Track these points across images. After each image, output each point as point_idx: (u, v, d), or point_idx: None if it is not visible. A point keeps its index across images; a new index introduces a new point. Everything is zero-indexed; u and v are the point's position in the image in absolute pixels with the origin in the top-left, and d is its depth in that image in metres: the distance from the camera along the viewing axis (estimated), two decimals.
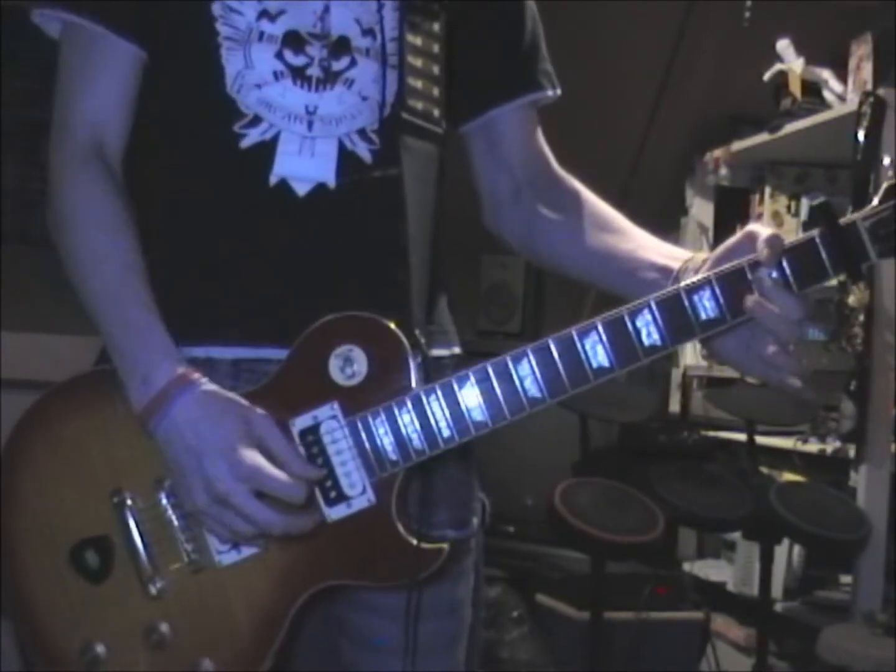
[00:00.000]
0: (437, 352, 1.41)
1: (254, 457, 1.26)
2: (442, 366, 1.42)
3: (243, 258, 1.36)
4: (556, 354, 1.27)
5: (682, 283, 1.28)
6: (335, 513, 1.31)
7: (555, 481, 3.00)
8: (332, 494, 1.30)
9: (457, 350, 1.48)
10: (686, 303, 1.26)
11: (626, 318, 1.27)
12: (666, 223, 4.24)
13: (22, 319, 3.41)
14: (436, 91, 1.43)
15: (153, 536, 1.34)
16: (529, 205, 1.51)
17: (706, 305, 1.26)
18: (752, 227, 1.28)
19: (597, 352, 1.27)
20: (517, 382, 1.27)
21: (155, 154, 1.42)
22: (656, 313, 1.26)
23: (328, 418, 1.30)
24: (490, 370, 1.28)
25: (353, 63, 1.37)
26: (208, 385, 1.30)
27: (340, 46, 1.37)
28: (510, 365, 1.28)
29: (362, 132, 1.38)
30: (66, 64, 1.41)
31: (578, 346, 1.27)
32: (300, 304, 1.35)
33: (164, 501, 1.34)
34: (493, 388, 1.28)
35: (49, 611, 1.37)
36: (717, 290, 1.26)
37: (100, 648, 1.35)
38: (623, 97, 4.05)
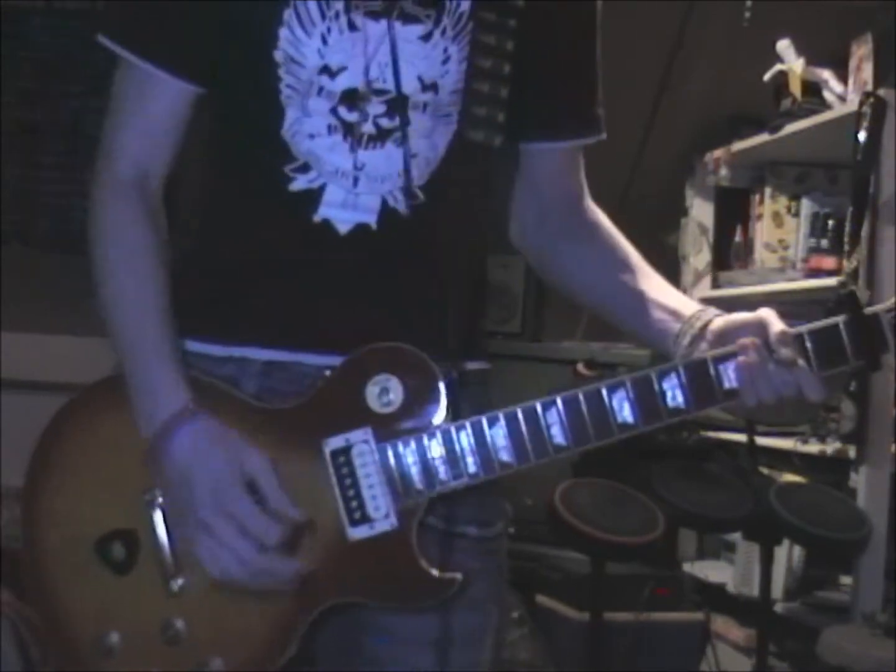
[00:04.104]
0: (464, 366, 1.43)
1: (237, 494, 1.30)
2: (467, 380, 1.44)
3: (282, 272, 1.40)
4: (584, 406, 1.31)
5: (710, 352, 1.33)
6: (358, 533, 1.34)
7: (555, 481, 2.99)
8: (357, 515, 1.34)
9: (483, 365, 1.49)
10: (712, 371, 1.31)
11: (654, 379, 1.31)
12: (666, 223, 4.24)
13: (22, 319, 3.42)
14: (500, 117, 1.41)
15: (179, 536, 1.36)
16: (552, 232, 1.53)
17: (731, 376, 1.31)
18: (766, 314, 1.34)
19: (623, 408, 1.31)
20: (544, 429, 1.31)
21: (211, 173, 1.46)
22: (683, 377, 1.31)
23: (360, 442, 1.34)
24: (519, 414, 1.32)
25: (407, 121, 1.37)
26: (204, 420, 1.33)
27: (398, 103, 1.37)
28: (539, 411, 1.32)
29: (407, 189, 1.39)
30: (118, 92, 1.42)
31: (606, 400, 1.31)
32: (338, 314, 1.38)
33: None
34: (520, 430, 1.32)
35: (69, 597, 1.40)
36: (743, 363, 1.31)
37: (115, 638, 1.37)
38: (623, 97, 4.04)
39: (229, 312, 1.42)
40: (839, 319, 1.31)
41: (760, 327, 1.32)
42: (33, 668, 2.54)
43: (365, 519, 1.33)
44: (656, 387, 1.31)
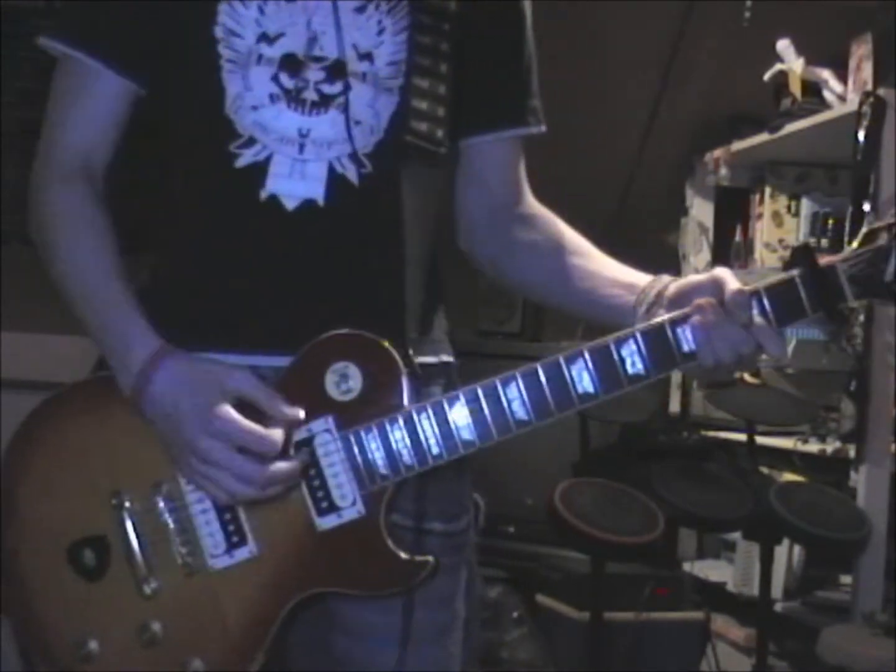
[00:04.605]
0: (425, 359, 1.43)
1: (226, 413, 1.30)
2: (429, 373, 1.44)
3: (233, 269, 1.41)
4: (543, 379, 1.31)
5: (667, 316, 1.32)
6: (326, 522, 1.35)
7: (555, 481, 3.00)
8: (324, 504, 1.35)
9: (445, 358, 1.49)
10: (669, 334, 1.31)
11: (612, 347, 1.31)
12: (666, 223, 4.24)
13: (22, 319, 3.41)
14: (441, 111, 1.44)
15: (149, 538, 1.37)
16: (502, 229, 1.54)
17: (688, 338, 1.31)
18: (721, 274, 1.33)
19: (582, 378, 1.32)
20: (505, 404, 1.32)
21: (162, 178, 1.46)
22: (641, 344, 1.31)
23: (322, 431, 1.34)
24: (480, 392, 1.32)
25: (347, 87, 1.40)
26: (181, 356, 1.34)
27: (337, 70, 1.39)
28: (499, 387, 1.32)
29: (353, 156, 1.40)
30: (59, 88, 1.45)
31: (565, 371, 1.31)
32: (288, 313, 1.39)
33: (161, 505, 1.37)
34: (481, 408, 1.32)
35: (46, 606, 1.40)
36: (699, 324, 1.30)
37: (93, 645, 1.38)
38: (623, 97, 4.05)
39: (185, 318, 1.42)
40: (795, 273, 1.30)
41: (716, 287, 1.32)
42: (34, 668, 2.54)
43: (332, 508, 1.34)
44: (615, 355, 1.31)
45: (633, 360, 1.31)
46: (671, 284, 1.37)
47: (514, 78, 1.54)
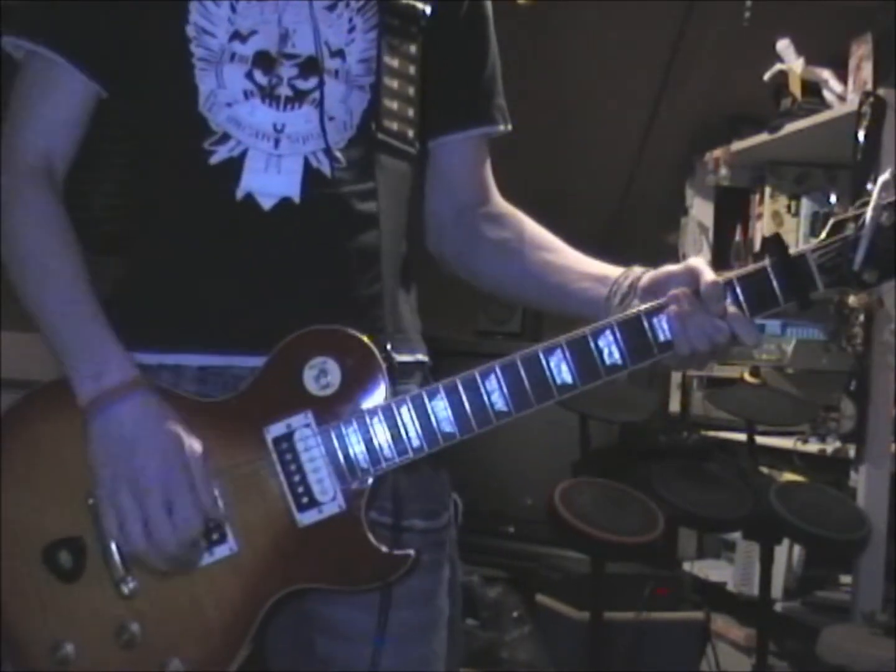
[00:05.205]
0: (401, 357, 1.43)
1: (187, 463, 1.30)
2: (406, 371, 1.45)
3: (211, 269, 1.41)
4: (522, 370, 1.33)
5: (643, 306, 1.33)
6: (307, 518, 1.34)
7: (555, 481, 3.00)
8: (305, 500, 1.34)
9: (420, 356, 1.50)
10: (646, 324, 1.32)
11: (590, 338, 1.32)
12: (666, 223, 4.24)
13: (22, 319, 3.41)
14: (411, 112, 1.47)
15: None
16: (470, 228, 1.55)
17: (664, 328, 1.32)
18: (696, 264, 1.35)
19: (561, 369, 1.33)
20: (485, 396, 1.33)
21: (131, 168, 1.48)
22: (617, 334, 1.32)
23: (302, 426, 1.34)
24: (459, 384, 1.33)
25: (321, 83, 1.41)
26: (154, 396, 1.33)
27: (309, 66, 1.41)
28: (479, 379, 1.33)
29: (328, 151, 1.41)
30: (22, 85, 1.44)
31: (544, 363, 1.33)
32: (266, 313, 1.39)
33: None
34: (461, 401, 1.33)
35: (21, 609, 1.38)
36: (674, 313, 1.32)
37: (70, 647, 1.36)
38: (623, 97, 4.05)
39: (161, 319, 1.41)
40: (766, 263, 1.32)
41: (690, 277, 1.33)
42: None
43: (313, 503, 1.34)
44: (592, 346, 1.32)
45: (610, 350, 1.32)
46: (644, 275, 1.39)
47: (481, 78, 1.56)
